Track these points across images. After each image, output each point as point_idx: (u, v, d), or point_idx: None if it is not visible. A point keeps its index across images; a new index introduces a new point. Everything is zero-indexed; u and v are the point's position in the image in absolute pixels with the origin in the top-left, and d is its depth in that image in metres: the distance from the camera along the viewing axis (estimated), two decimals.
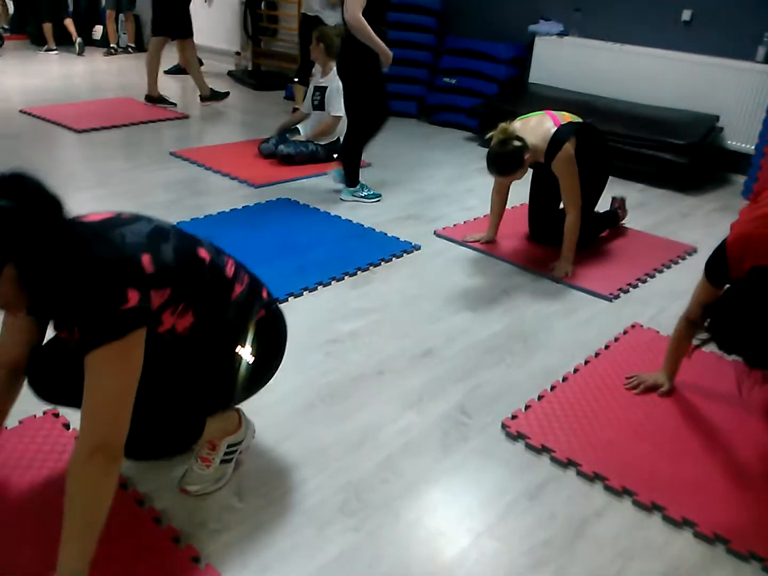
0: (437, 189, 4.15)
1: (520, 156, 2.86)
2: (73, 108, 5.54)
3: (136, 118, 5.33)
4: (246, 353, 1.58)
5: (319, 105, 4.47)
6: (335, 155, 4.49)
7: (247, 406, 1.78)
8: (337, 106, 4.34)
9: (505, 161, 2.91)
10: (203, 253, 1.50)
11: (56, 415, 1.92)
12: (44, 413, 1.92)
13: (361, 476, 1.80)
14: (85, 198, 3.63)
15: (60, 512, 1.27)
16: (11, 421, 1.79)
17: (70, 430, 1.87)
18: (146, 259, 1.33)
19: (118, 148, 4.68)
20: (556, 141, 2.88)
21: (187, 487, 1.70)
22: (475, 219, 3.64)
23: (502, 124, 2.90)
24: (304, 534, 1.62)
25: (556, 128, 2.91)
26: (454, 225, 3.55)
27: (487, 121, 5.09)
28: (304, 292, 2.77)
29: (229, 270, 1.56)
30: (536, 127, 2.95)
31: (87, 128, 4.95)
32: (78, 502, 1.28)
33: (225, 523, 1.63)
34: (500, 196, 3.28)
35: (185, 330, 1.46)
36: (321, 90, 4.45)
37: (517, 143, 2.85)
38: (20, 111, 5.45)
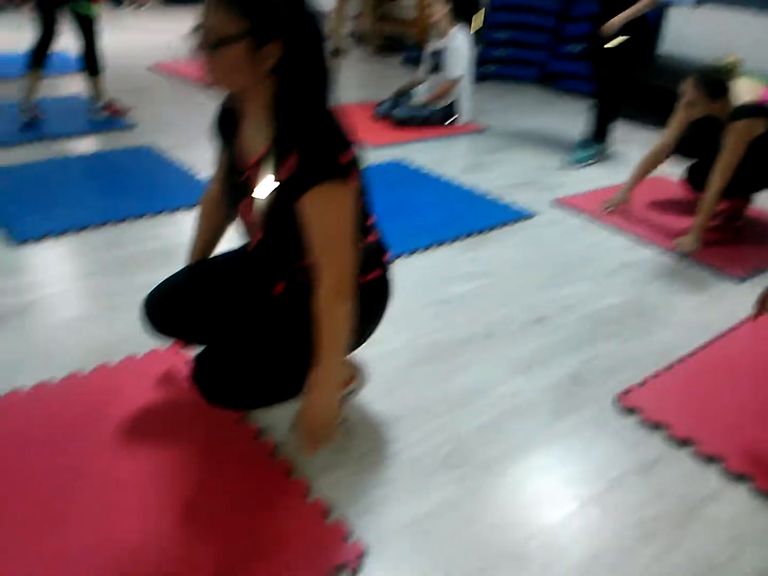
0: (555, 157, 4.03)
1: (723, 89, 2.74)
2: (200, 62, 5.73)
3: None
4: None
5: (436, 68, 4.43)
6: (447, 121, 4.45)
7: (355, 358, 1.81)
8: (454, 68, 4.28)
9: (714, 82, 2.76)
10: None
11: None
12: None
13: (467, 434, 1.80)
14: (207, 151, 3.75)
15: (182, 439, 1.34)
16: (139, 351, 1.90)
17: None
18: (348, 153, 1.34)
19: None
20: (746, 110, 2.71)
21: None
22: (596, 189, 3.52)
23: (734, 58, 2.79)
24: (407, 481, 1.64)
25: (756, 101, 2.74)
26: (573, 195, 3.45)
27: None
28: (415, 253, 2.77)
29: (370, 220, 1.59)
30: (744, 89, 2.78)
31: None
32: (337, 337, 1.38)
33: (334, 462, 1.67)
34: (657, 155, 3.11)
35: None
36: (437, 53, 4.40)
37: (729, 82, 2.74)
38: (148, 68, 5.71)
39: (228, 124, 1.51)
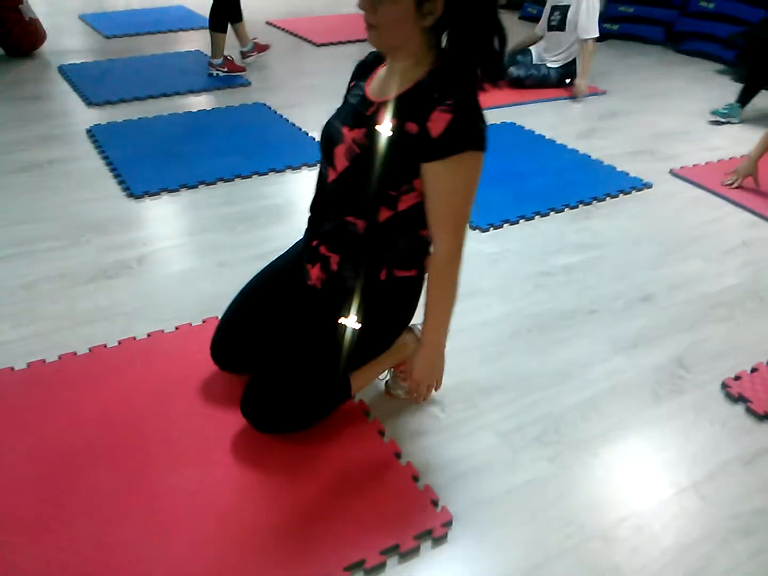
0: (677, 124, 3.82)
1: None
2: (313, 22, 5.78)
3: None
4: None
5: (558, 25, 4.20)
6: (567, 80, 4.28)
7: (452, 326, 1.80)
8: (591, 27, 4.03)
9: None
10: None
11: None
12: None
13: (562, 410, 1.78)
14: (323, 110, 3.80)
15: None
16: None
17: None
18: (485, 124, 1.37)
19: (353, 63, 4.82)
20: None
21: (392, 391, 1.79)
22: (718, 161, 3.31)
23: None
24: (498, 454, 1.64)
25: None
26: (694, 165, 3.26)
27: (747, 53, 4.56)
28: (520, 221, 2.72)
29: None
30: None
31: (326, 42, 5.15)
32: (447, 296, 1.49)
33: (426, 428, 1.70)
34: None
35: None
36: (561, 9, 4.19)
37: None
38: (266, 23, 5.80)
39: (365, 68, 1.56)
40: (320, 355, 1.58)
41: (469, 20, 1.28)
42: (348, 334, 1.55)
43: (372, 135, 1.40)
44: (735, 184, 3.00)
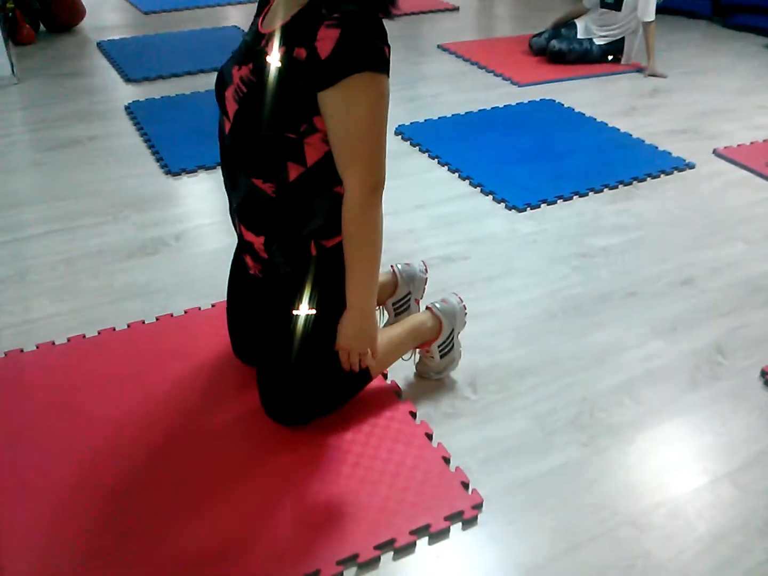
0: (721, 102, 3.71)
1: None
2: None
3: (409, 9, 5.36)
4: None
5: (615, 5, 4.07)
6: (610, 57, 4.18)
7: (486, 306, 1.79)
8: (651, 9, 3.92)
9: None
10: None
11: None
12: None
13: (597, 394, 1.76)
14: None
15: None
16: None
17: None
18: (387, 49, 1.26)
19: (391, 38, 4.76)
20: None
21: (422, 374, 1.79)
22: (764, 140, 3.21)
23: None
24: (531, 437, 1.64)
25: None
26: (738, 145, 3.17)
27: None
28: (558, 201, 2.68)
29: None
30: None
31: None
32: (366, 246, 1.33)
33: (458, 409, 1.70)
34: None
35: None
36: None
37: None
38: None
39: (264, 2, 1.43)
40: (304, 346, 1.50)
41: None
42: (308, 323, 1.47)
43: (260, 68, 1.27)
44: None
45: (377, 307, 1.68)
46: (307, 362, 1.50)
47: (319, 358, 1.51)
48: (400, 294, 1.85)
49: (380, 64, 1.20)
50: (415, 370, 1.81)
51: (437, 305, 1.71)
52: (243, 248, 1.55)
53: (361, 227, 1.31)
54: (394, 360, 1.69)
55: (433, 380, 1.78)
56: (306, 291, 1.46)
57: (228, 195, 1.52)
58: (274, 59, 1.26)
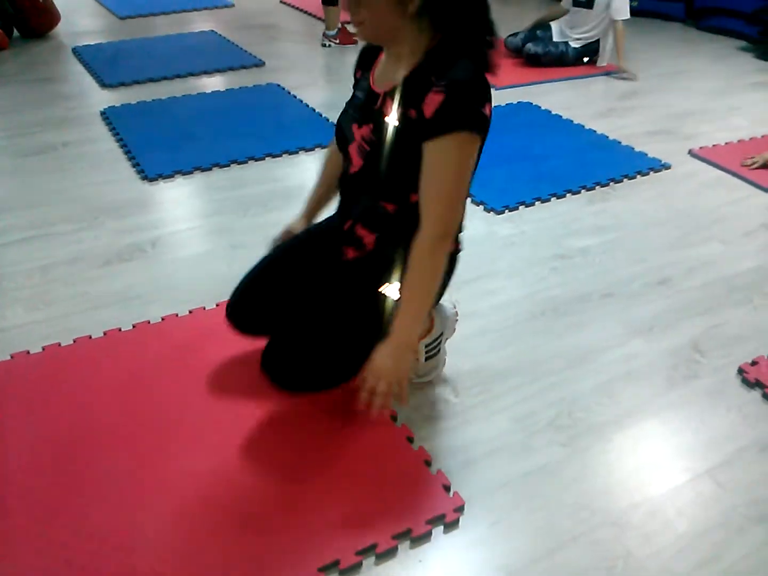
0: (697, 103, 3.75)
1: None
2: None
3: None
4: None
5: (587, 2, 4.09)
6: (585, 59, 4.21)
7: (466, 309, 1.80)
8: (624, 8, 3.96)
9: None
10: None
11: None
12: None
13: (576, 395, 1.77)
14: (337, 91, 3.78)
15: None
16: None
17: None
18: (489, 108, 1.35)
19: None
20: None
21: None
22: (739, 141, 3.25)
23: None
24: (511, 439, 1.64)
25: None
26: (714, 146, 3.20)
27: None
28: (536, 203, 2.69)
29: None
30: None
31: (342, 21, 5.09)
32: (427, 278, 1.39)
33: (438, 412, 1.70)
34: None
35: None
36: None
37: None
38: (280, 1, 5.75)
39: (369, 55, 1.54)
40: (355, 319, 1.56)
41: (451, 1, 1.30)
42: (387, 303, 1.52)
43: (380, 129, 1.41)
44: (755, 166, 2.94)
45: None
46: (353, 332, 1.55)
47: (366, 333, 1.52)
48: (434, 334, 1.74)
49: (476, 125, 1.31)
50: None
51: (449, 305, 1.74)
52: (347, 241, 1.61)
53: (425, 266, 1.38)
54: None
55: (413, 383, 1.77)
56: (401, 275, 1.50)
57: (342, 203, 1.65)
58: (392, 120, 1.39)
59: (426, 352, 1.73)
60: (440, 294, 1.62)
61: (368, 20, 1.32)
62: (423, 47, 1.35)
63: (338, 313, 1.58)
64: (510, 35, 4.35)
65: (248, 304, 1.71)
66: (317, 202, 1.80)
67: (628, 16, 3.99)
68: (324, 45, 4.53)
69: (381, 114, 1.42)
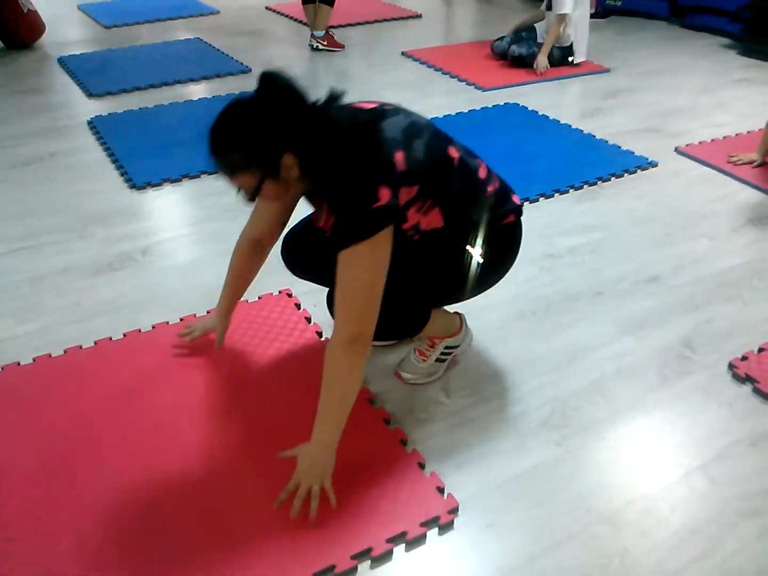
0: (682, 101, 3.77)
1: None
2: None
3: (372, 16, 5.39)
4: (477, 253, 1.58)
5: (548, 4, 4.14)
6: (570, 58, 4.23)
7: (457, 309, 1.80)
8: (563, 3, 3.97)
9: None
10: (453, 152, 1.50)
11: (290, 295, 2.10)
12: (279, 292, 2.11)
13: (569, 394, 1.78)
14: (321, 95, 3.77)
15: (287, 382, 1.40)
16: (251, 295, 1.99)
17: (301, 310, 2.04)
18: (399, 156, 1.36)
19: (354, 45, 4.78)
20: None
21: (402, 374, 1.79)
22: (725, 137, 3.27)
23: None
24: (504, 439, 1.64)
25: None
26: (700, 143, 3.22)
27: (755, 26, 4.51)
28: (525, 203, 2.70)
29: (482, 172, 1.57)
30: None
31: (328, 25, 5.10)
32: (337, 385, 1.39)
33: (431, 414, 1.70)
34: None
35: (428, 226, 1.49)
36: None
37: None
38: (266, 8, 5.75)
39: None
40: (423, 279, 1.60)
41: (320, 155, 1.35)
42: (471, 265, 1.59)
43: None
44: (739, 163, 2.96)
45: (438, 340, 1.78)
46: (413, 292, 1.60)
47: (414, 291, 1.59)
48: (458, 341, 1.81)
49: (368, 231, 1.33)
50: (394, 370, 1.82)
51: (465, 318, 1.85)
52: None
53: (339, 370, 1.38)
54: (440, 327, 1.74)
55: (408, 384, 1.78)
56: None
57: None
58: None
59: (441, 353, 1.77)
60: (505, 270, 1.69)
61: (268, 202, 1.41)
62: (311, 184, 1.42)
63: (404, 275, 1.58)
64: (497, 39, 4.37)
65: (299, 245, 1.77)
66: (231, 299, 1.82)
67: (564, 11, 4.00)
68: (312, 46, 4.54)
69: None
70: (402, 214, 1.42)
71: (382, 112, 1.47)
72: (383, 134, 1.39)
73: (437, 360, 1.78)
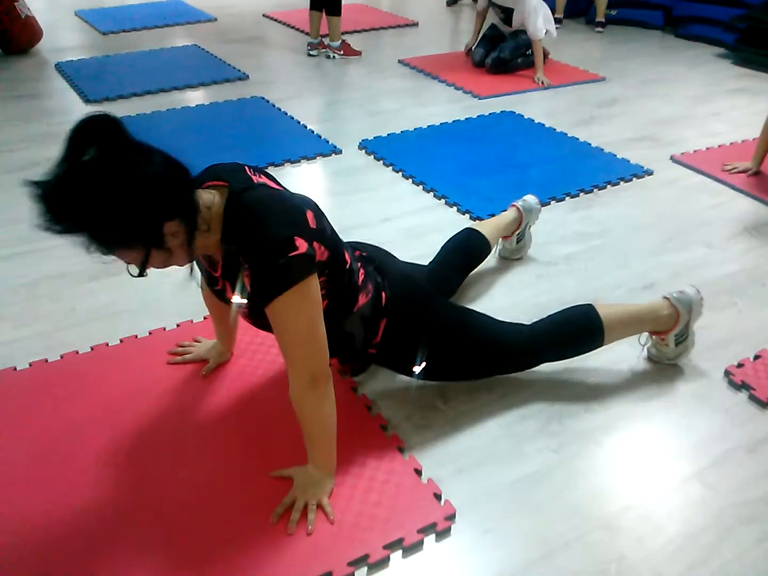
0: (677, 110, 3.80)
1: None
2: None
3: (369, 25, 5.41)
4: (419, 367, 1.67)
5: (506, 20, 4.34)
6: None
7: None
8: (535, 30, 4.08)
9: None
10: (347, 255, 1.52)
11: None
12: None
13: (566, 401, 1.78)
14: (321, 103, 3.79)
15: (286, 388, 1.40)
16: None
17: None
18: (310, 214, 1.37)
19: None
20: None
21: (652, 358, 1.92)
22: (719, 146, 3.29)
23: None
24: (501, 446, 1.64)
25: None
26: (695, 151, 3.24)
27: (748, 36, 4.54)
28: None
29: (359, 277, 1.58)
30: None
31: (324, 33, 5.12)
32: (311, 425, 1.43)
33: (428, 420, 1.70)
34: None
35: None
36: (504, 9, 4.28)
37: None
38: (263, 15, 5.77)
39: None
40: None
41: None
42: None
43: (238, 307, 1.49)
44: (734, 171, 2.98)
45: (504, 239, 2.21)
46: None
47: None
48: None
49: (288, 282, 1.30)
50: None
51: (674, 295, 1.83)
52: None
53: (307, 412, 1.42)
54: (625, 333, 1.83)
55: (662, 362, 1.86)
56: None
57: None
58: (237, 299, 1.44)
59: (675, 340, 1.84)
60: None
61: (162, 268, 1.35)
62: (214, 241, 1.37)
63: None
64: (468, 50, 4.55)
65: None
66: (226, 336, 1.83)
67: (541, 36, 4.11)
68: (328, 57, 4.62)
69: (223, 293, 1.49)
70: (321, 268, 1.39)
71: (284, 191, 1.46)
72: (291, 194, 1.42)
73: (677, 344, 1.86)
